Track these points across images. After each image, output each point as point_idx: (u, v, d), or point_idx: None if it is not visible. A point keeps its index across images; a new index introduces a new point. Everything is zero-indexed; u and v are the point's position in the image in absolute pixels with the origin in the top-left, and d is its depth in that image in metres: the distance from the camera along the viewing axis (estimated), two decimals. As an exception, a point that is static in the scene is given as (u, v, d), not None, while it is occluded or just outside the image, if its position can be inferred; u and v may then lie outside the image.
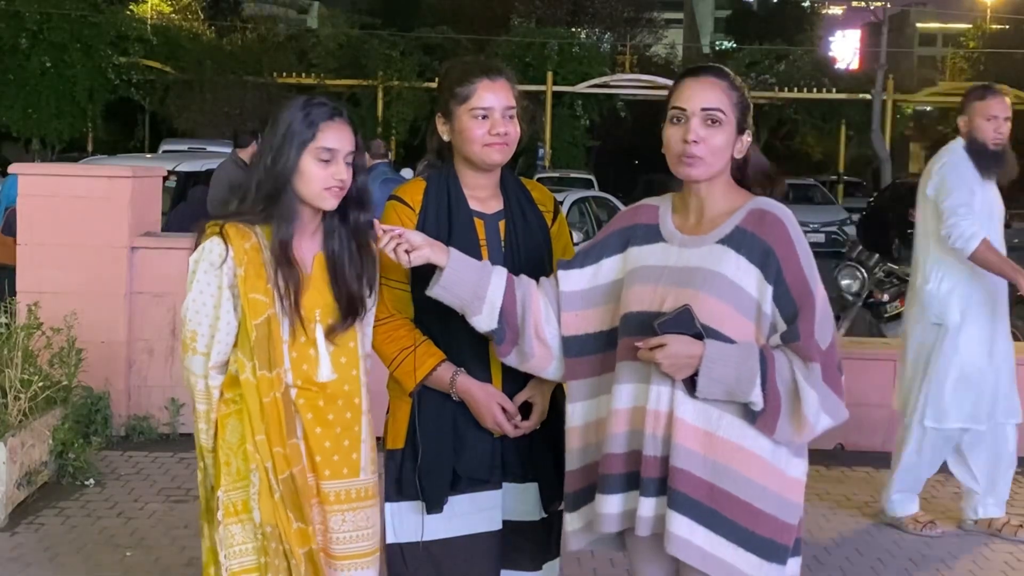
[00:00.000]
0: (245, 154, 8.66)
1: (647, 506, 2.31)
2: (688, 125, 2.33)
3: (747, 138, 2.39)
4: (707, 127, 2.33)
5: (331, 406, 2.58)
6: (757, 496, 2.24)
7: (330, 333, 2.56)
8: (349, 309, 2.58)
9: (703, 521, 2.25)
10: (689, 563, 2.28)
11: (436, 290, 2.50)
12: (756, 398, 2.22)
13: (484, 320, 2.49)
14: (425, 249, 2.46)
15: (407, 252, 2.44)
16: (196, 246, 2.55)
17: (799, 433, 2.24)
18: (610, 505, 2.38)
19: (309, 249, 2.58)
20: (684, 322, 2.25)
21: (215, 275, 2.49)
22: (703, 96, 2.34)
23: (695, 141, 2.32)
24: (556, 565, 2.86)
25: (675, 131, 2.36)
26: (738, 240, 2.28)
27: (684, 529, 2.25)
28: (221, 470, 2.56)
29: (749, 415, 2.25)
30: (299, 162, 2.50)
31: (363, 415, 2.63)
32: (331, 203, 2.53)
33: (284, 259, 2.51)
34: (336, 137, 2.52)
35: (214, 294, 2.50)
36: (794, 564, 2.34)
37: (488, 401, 2.64)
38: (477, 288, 2.47)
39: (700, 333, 2.25)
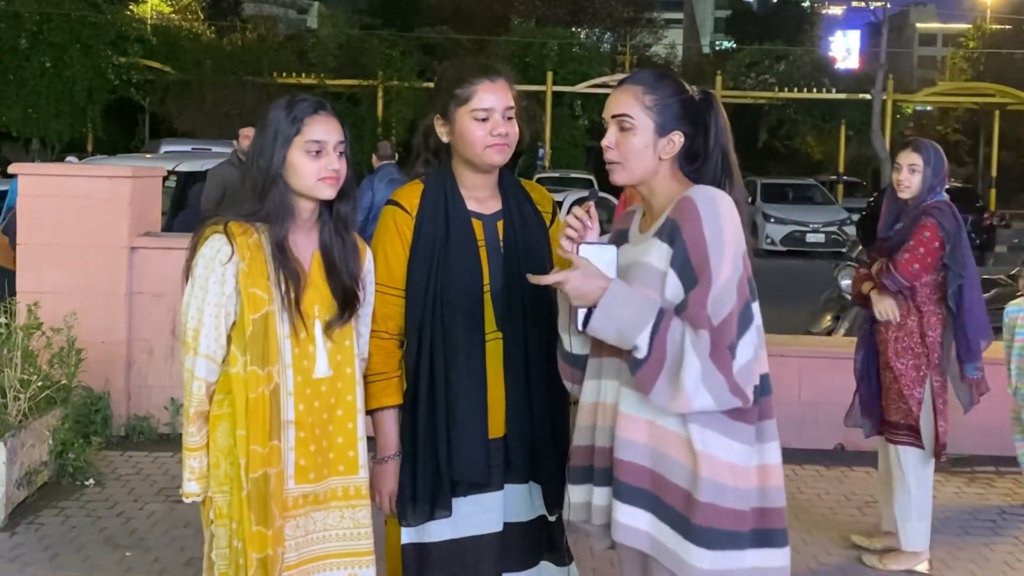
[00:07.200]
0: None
1: (600, 495, 2.36)
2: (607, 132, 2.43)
3: (675, 139, 2.37)
4: (620, 133, 2.38)
5: (325, 404, 2.58)
6: (688, 481, 2.23)
7: (328, 329, 2.57)
8: (345, 302, 2.59)
9: (648, 508, 2.28)
10: (640, 549, 2.29)
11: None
12: (642, 343, 2.21)
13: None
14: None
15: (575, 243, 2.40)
16: (194, 247, 2.55)
17: (675, 399, 2.19)
18: (575, 495, 2.44)
19: (307, 247, 2.60)
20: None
21: (220, 272, 2.49)
22: (615, 103, 2.41)
23: (608, 147, 2.40)
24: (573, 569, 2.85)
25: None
26: (662, 229, 2.31)
27: (628, 516, 2.28)
28: (211, 472, 2.58)
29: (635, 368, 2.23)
30: (287, 157, 2.52)
31: (357, 413, 2.63)
32: (328, 192, 2.55)
33: (283, 258, 2.52)
34: (323, 129, 2.54)
35: (218, 292, 2.50)
36: (762, 555, 2.25)
37: (382, 486, 2.71)
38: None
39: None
